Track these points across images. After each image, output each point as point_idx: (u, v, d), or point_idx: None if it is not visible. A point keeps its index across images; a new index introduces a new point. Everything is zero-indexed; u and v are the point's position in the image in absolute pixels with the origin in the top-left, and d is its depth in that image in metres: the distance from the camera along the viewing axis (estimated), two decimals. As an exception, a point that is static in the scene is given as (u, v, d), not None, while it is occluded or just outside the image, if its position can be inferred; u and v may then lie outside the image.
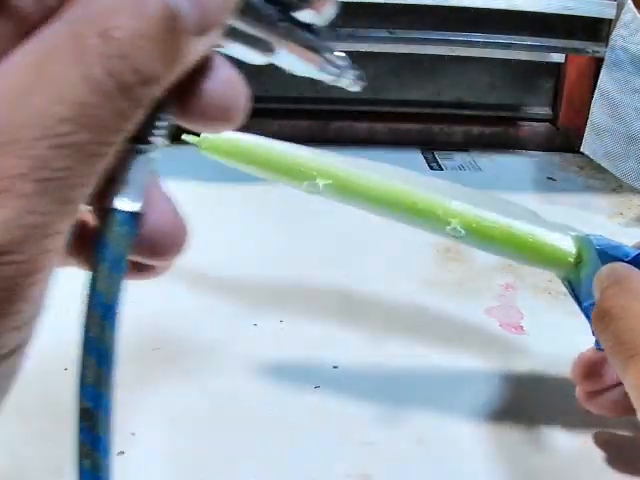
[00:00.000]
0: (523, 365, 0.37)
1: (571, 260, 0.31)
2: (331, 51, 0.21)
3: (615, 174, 0.61)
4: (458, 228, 0.31)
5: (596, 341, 0.30)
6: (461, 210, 0.31)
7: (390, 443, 0.31)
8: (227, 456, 0.30)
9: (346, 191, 0.32)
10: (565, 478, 0.30)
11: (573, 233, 0.32)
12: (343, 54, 0.22)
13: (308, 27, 0.20)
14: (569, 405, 0.34)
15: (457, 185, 0.33)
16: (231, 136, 0.33)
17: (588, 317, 0.30)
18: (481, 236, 0.31)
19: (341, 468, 0.30)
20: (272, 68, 0.20)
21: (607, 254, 0.30)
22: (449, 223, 0.31)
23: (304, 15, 0.19)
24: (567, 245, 0.31)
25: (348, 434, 0.32)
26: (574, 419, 0.33)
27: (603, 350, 0.29)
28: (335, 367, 0.37)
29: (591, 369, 0.31)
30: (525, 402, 0.35)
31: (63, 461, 0.27)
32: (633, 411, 0.26)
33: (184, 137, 0.32)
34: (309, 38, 0.20)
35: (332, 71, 0.21)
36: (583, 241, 0.31)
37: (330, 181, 0.32)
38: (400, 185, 0.32)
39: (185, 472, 0.29)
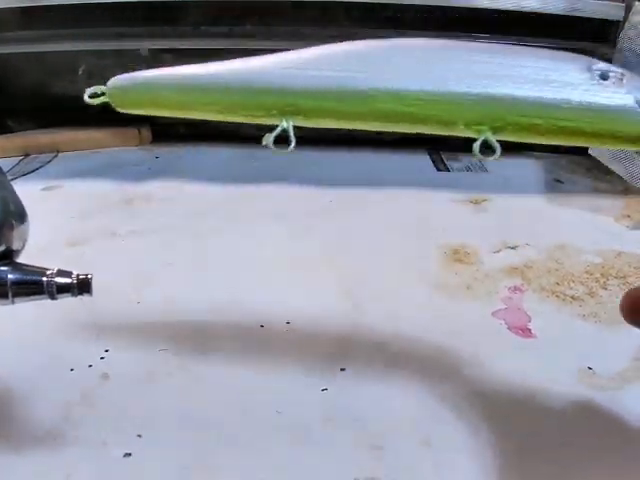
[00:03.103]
0: (533, 368, 0.37)
1: None
2: None
3: (623, 176, 0.61)
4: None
5: None
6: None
7: (398, 447, 0.31)
8: (234, 458, 0.30)
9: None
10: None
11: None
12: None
13: None
14: (580, 407, 0.34)
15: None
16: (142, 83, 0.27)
17: None
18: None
19: (348, 471, 0.30)
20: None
21: None
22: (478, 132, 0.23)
23: None
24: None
25: (356, 437, 0.32)
26: (585, 419, 0.33)
27: None
28: (343, 369, 0.37)
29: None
30: (535, 405, 0.35)
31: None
32: None
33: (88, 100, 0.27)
34: None
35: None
36: None
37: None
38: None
39: (192, 474, 0.29)
